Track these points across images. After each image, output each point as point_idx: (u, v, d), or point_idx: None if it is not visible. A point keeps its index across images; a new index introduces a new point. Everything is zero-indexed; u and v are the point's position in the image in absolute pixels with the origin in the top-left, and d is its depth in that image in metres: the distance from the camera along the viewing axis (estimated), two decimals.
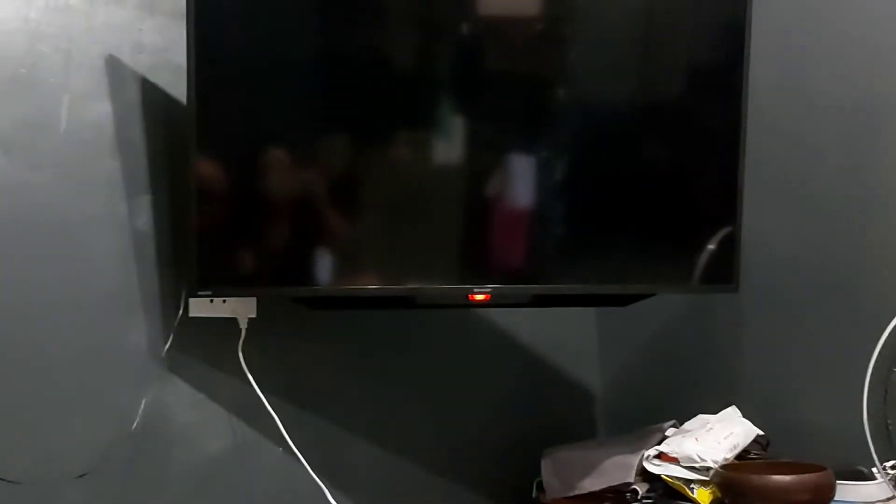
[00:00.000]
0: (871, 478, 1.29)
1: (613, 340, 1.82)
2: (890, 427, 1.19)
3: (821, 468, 1.28)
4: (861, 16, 1.47)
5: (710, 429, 1.48)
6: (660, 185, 1.47)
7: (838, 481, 1.28)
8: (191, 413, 1.35)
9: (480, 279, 1.38)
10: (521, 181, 1.40)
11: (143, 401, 1.30)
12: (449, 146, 1.37)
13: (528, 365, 1.74)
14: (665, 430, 1.54)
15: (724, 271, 1.46)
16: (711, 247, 1.45)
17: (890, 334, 1.19)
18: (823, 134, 1.51)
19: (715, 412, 1.54)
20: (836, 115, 1.50)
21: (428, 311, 1.54)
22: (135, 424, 1.29)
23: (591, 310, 1.83)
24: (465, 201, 1.41)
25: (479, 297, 1.37)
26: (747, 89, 1.43)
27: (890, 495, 1.27)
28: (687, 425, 1.54)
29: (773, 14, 1.51)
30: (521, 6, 1.40)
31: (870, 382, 1.20)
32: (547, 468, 1.56)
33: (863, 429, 1.23)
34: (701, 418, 1.53)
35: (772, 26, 1.51)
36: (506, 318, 1.69)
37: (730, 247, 1.45)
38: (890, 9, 1.43)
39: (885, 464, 1.21)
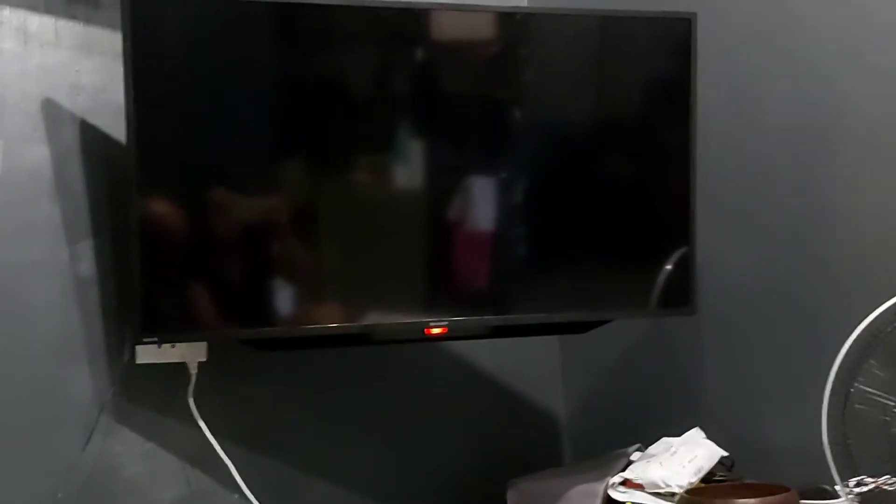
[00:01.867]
0: (835, 496, 1.29)
1: (576, 366, 1.81)
2: (850, 444, 1.19)
3: (785, 489, 1.27)
4: (808, 38, 1.49)
5: (675, 452, 1.47)
6: (615, 206, 1.48)
7: (802, 501, 1.28)
8: (140, 463, 1.31)
9: (439, 311, 1.36)
10: (480, 205, 1.40)
11: (90, 453, 1.26)
12: (407, 171, 1.36)
13: (490, 394, 1.72)
14: (630, 455, 1.53)
15: (681, 294, 1.47)
16: (668, 268, 1.46)
17: (847, 352, 1.19)
18: (774, 155, 1.53)
19: (679, 434, 1.53)
20: (786, 136, 1.51)
21: (384, 346, 1.52)
22: (82, 478, 1.25)
23: (553, 336, 1.82)
24: (425, 228, 1.40)
25: (436, 330, 1.36)
26: (696, 111, 1.45)
27: None
28: (651, 449, 1.53)
29: (721, 37, 1.53)
30: (476, 29, 1.41)
31: (829, 400, 1.20)
32: (513, 499, 1.54)
33: (823, 447, 1.23)
34: (665, 441, 1.53)
35: (720, 49, 1.53)
36: (466, 348, 1.68)
37: (686, 269, 1.46)
38: (837, 31, 1.45)
39: (847, 481, 1.21)
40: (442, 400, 1.64)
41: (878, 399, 1.17)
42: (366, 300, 1.35)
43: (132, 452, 1.31)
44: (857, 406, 1.18)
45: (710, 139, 1.48)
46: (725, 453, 1.49)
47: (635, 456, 1.52)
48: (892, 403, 1.16)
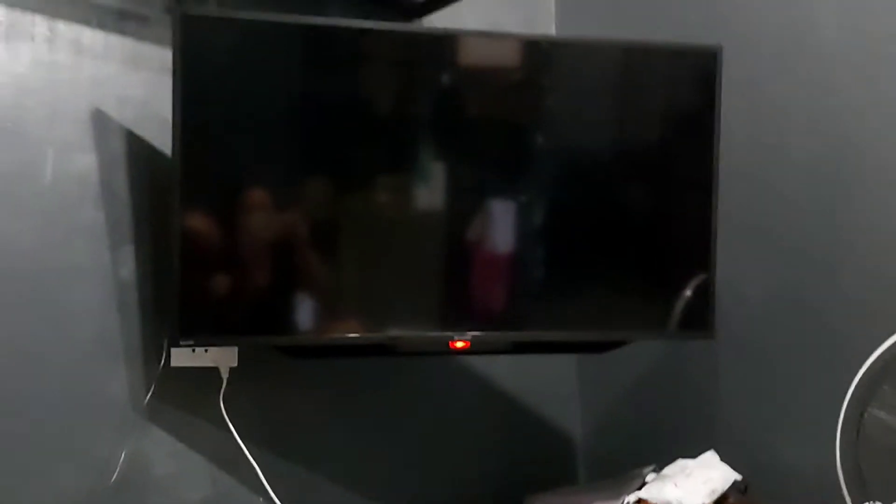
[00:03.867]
0: None
1: (593, 386, 1.83)
2: (863, 469, 1.21)
3: None
4: (831, 71, 1.51)
5: (689, 473, 1.49)
6: (636, 232, 1.50)
7: None
8: (171, 463, 1.34)
9: (461, 326, 1.39)
10: (500, 227, 1.43)
11: (124, 451, 1.30)
12: (429, 192, 1.39)
13: (508, 412, 1.74)
14: (645, 476, 1.54)
15: (699, 318, 1.48)
16: (687, 293, 1.48)
17: (861, 377, 1.21)
18: (794, 185, 1.55)
19: (694, 456, 1.54)
20: (807, 166, 1.54)
21: (409, 358, 1.55)
22: (115, 475, 1.29)
23: (571, 356, 1.84)
24: (446, 247, 1.43)
25: (460, 344, 1.39)
26: (719, 140, 1.47)
27: None
28: (666, 470, 1.55)
29: (745, 69, 1.56)
30: (500, 56, 1.44)
31: (842, 425, 1.21)
32: None
33: (837, 471, 1.24)
34: (680, 463, 1.54)
35: (744, 80, 1.56)
36: (486, 366, 1.70)
37: (705, 294, 1.47)
38: (858, 65, 1.48)
39: None
40: (462, 414, 1.67)
41: (891, 424, 1.18)
42: (390, 314, 1.38)
43: (163, 452, 1.34)
44: (870, 431, 1.19)
45: (731, 168, 1.50)
46: (740, 476, 1.51)
47: (650, 476, 1.54)
48: None
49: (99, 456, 1.29)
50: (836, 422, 1.24)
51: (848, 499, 1.23)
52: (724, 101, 1.46)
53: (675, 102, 1.52)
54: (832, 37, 1.51)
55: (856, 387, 1.21)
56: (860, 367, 1.22)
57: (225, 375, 1.37)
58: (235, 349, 1.38)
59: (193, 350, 1.34)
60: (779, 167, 1.57)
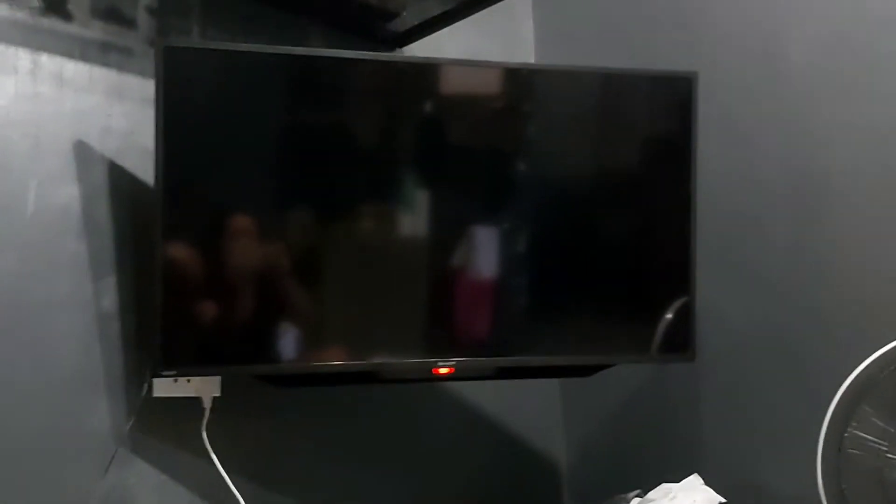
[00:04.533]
0: None
1: (577, 413, 1.84)
2: (845, 490, 1.21)
3: None
4: (804, 100, 1.54)
5: (674, 497, 1.49)
6: (617, 257, 1.51)
7: None
8: (153, 495, 1.33)
9: (445, 353, 1.40)
10: (483, 254, 1.44)
11: (105, 482, 1.29)
12: (413, 220, 1.40)
13: (492, 438, 1.74)
14: (629, 501, 1.54)
15: (680, 341, 1.49)
16: (668, 317, 1.49)
17: (840, 398, 1.22)
18: (769, 211, 1.58)
19: (678, 480, 1.55)
20: (781, 193, 1.56)
21: (393, 385, 1.55)
22: None
23: (554, 381, 1.84)
24: (429, 274, 1.43)
25: (444, 370, 1.39)
26: (696, 167, 1.49)
27: None
28: (651, 495, 1.55)
29: (720, 100, 1.59)
30: (482, 85, 1.45)
31: (823, 445, 1.23)
32: None
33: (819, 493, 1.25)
34: (664, 487, 1.54)
35: (718, 108, 1.58)
36: (471, 393, 1.70)
37: (685, 318, 1.49)
38: (832, 95, 1.51)
39: None
40: (447, 443, 1.67)
41: (872, 444, 1.20)
42: (374, 341, 1.39)
43: (145, 484, 1.33)
44: (851, 451, 1.21)
45: (708, 195, 1.52)
46: (724, 500, 1.51)
47: (635, 501, 1.54)
48: (885, 448, 1.19)
49: (79, 487, 1.27)
50: (817, 443, 1.25)
51: None
52: (700, 128, 1.49)
53: (653, 128, 1.54)
54: (805, 67, 1.54)
55: (835, 407, 1.22)
56: (838, 388, 1.23)
57: (207, 405, 1.36)
58: (218, 379, 1.37)
59: (175, 380, 1.34)
60: (753, 194, 1.60)
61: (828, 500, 1.22)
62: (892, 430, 1.19)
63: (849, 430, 1.21)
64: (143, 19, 1.39)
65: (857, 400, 1.20)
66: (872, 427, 1.20)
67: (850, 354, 1.24)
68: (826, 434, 1.22)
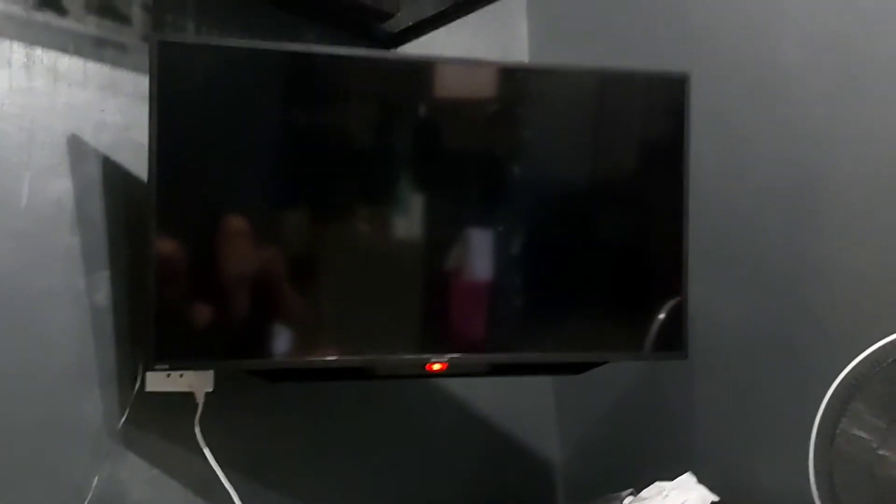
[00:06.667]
0: None
1: (571, 411, 1.84)
2: (836, 486, 1.22)
3: None
4: (797, 101, 1.55)
5: (667, 496, 1.49)
6: (610, 256, 1.51)
7: None
8: (145, 489, 1.33)
9: (438, 349, 1.40)
10: (478, 254, 1.44)
11: (97, 477, 1.28)
12: (408, 222, 1.40)
13: (486, 437, 1.75)
14: (623, 499, 1.55)
15: (673, 339, 1.49)
16: (661, 316, 1.50)
17: (832, 394, 1.23)
18: (762, 211, 1.58)
19: (671, 479, 1.55)
20: (774, 193, 1.57)
21: (387, 381, 1.55)
22: (87, 500, 1.27)
23: (548, 380, 1.85)
24: (424, 275, 1.43)
25: (437, 366, 1.39)
26: (689, 169, 1.49)
27: None
28: (644, 493, 1.55)
29: (714, 101, 1.60)
30: (477, 88, 1.46)
31: (815, 442, 1.23)
32: None
33: (811, 490, 1.25)
34: (657, 485, 1.55)
35: (712, 108, 1.59)
36: (464, 391, 1.70)
37: (678, 316, 1.49)
38: (824, 95, 1.52)
39: None
40: (441, 440, 1.67)
41: (863, 440, 1.20)
42: (368, 337, 1.38)
43: (138, 478, 1.32)
44: (843, 447, 1.21)
45: (701, 195, 1.52)
46: (717, 498, 1.51)
47: (628, 500, 1.54)
48: (876, 445, 1.19)
49: (72, 481, 1.27)
50: (809, 440, 1.25)
51: None
52: (694, 128, 1.49)
53: (646, 128, 1.54)
54: (798, 68, 1.55)
55: (827, 404, 1.23)
56: (830, 385, 1.24)
57: (201, 400, 1.36)
58: (211, 373, 1.37)
59: (168, 374, 1.33)
60: (747, 194, 1.60)
61: (820, 497, 1.23)
62: (884, 427, 1.19)
63: (840, 426, 1.21)
64: (138, 14, 1.39)
65: (848, 397, 1.21)
66: (864, 423, 1.20)
67: (842, 352, 1.24)
68: (818, 430, 1.23)
